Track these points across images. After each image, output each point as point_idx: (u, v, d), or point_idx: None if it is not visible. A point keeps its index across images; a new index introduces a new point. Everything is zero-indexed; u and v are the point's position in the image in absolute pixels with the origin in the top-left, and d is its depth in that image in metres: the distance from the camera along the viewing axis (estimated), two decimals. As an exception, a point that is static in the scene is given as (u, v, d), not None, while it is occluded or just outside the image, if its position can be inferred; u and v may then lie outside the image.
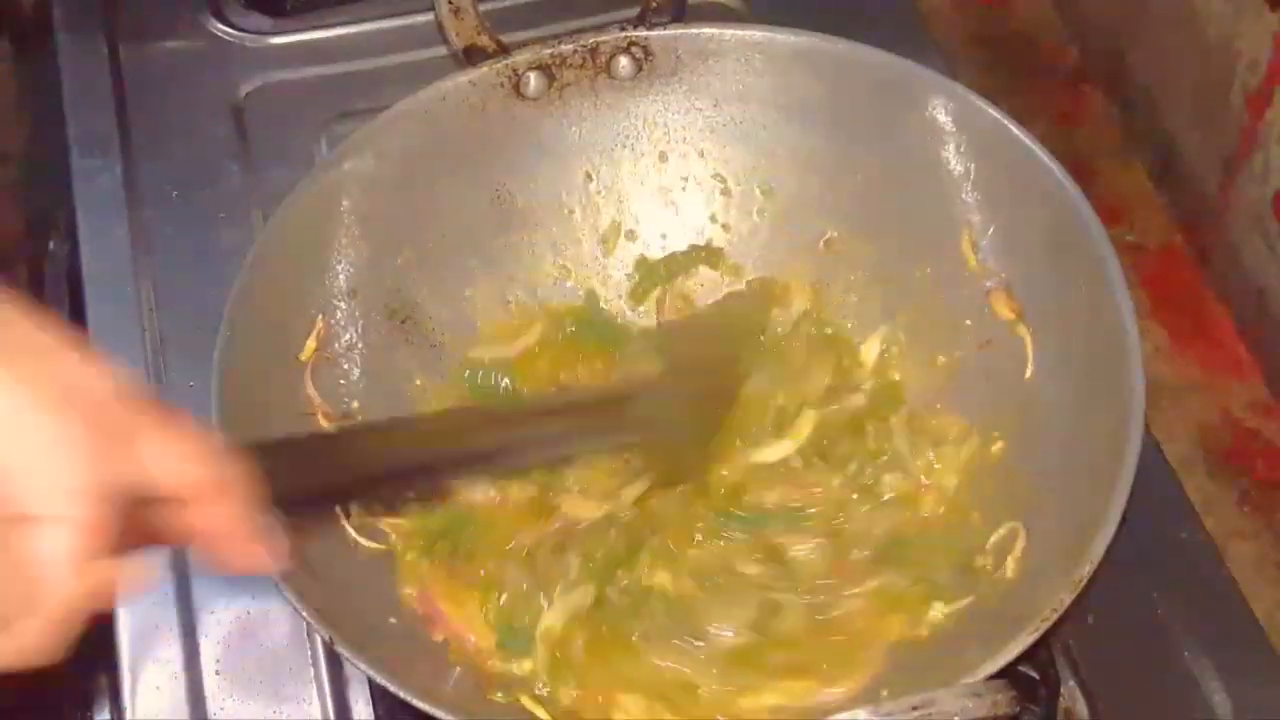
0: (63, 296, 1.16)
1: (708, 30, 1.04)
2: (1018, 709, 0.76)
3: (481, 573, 0.93)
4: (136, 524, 0.61)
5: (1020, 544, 0.91)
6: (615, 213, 1.09)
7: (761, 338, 1.05)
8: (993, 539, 0.92)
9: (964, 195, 1.00)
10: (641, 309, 1.09)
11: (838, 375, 1.03)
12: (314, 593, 0.83)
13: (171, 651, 0.95)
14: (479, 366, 1.03)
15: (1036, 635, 0.80)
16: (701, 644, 0.91)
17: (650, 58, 1.05)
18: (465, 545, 0.94)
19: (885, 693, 0.86)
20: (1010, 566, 0.90)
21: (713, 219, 1.09)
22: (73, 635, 0.58)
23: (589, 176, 1.08)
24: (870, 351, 1.04)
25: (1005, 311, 0.99)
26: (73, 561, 0.57)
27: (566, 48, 1.04)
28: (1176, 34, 1.23)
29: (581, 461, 0.97)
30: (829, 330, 1.05)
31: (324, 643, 0.80)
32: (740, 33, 1.04)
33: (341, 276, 1.00)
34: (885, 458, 0.99)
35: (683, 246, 1.09)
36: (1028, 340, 0.98)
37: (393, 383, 1.01)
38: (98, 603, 0.59)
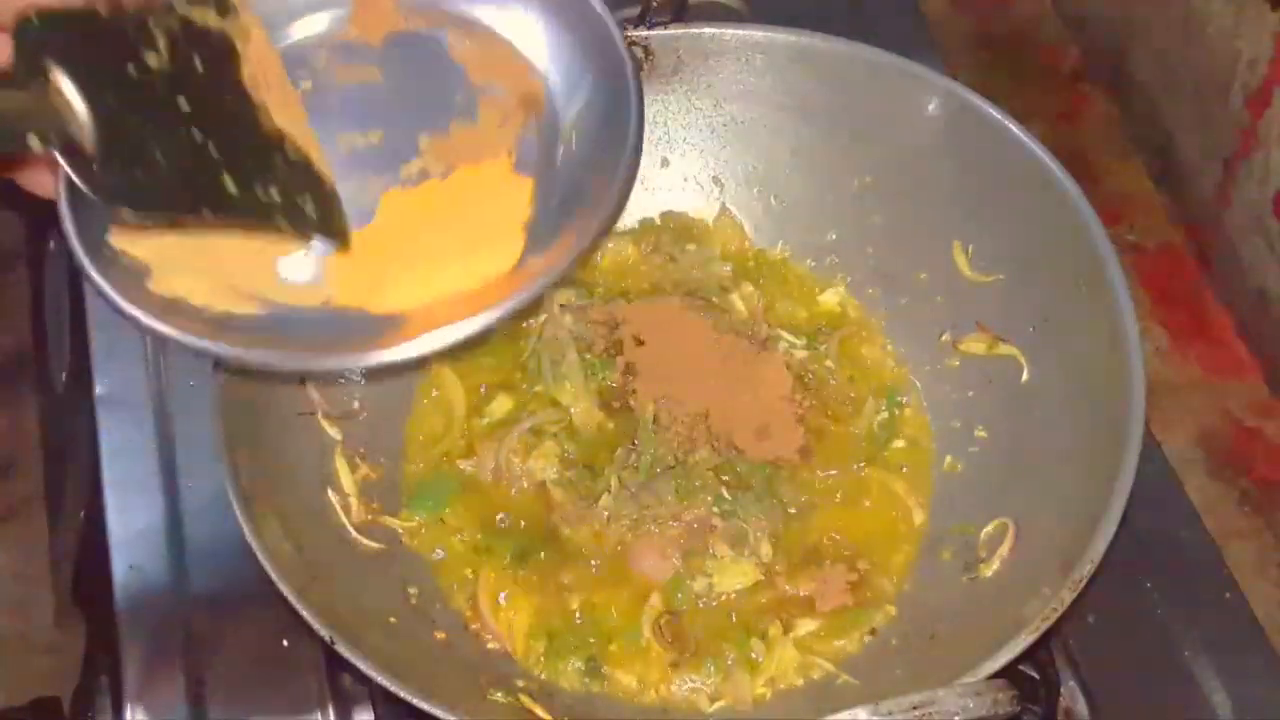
0: (63, 296, 1.16)
1: (709, 30, 1.04)
2: (1018, 709, 0.76)
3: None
4: None
5: (1009, 541, 0.91)
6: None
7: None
8: (983, 534, 0.93)
9: (964, 195, 1.00)
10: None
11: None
12: (314, 593, 0.83)
13: (172, 652, 0.95)
14: None
15: (1036, 635, 0.80)
16: None
17: (650, 57, 1.05)
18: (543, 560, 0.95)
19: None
20: (996, 562, 0.91)
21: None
22: None
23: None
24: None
25: (979, 348, 1.00)
26: None
27: (567, 47, 1.04)
28: (1176, 34, 1.23)
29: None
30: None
31: (324, 643, 0.80)
32: (741, 32, 1.04)
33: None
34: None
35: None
36: (1017, 353, 0.98)
37: (393, 381, 1.01)
38: None
